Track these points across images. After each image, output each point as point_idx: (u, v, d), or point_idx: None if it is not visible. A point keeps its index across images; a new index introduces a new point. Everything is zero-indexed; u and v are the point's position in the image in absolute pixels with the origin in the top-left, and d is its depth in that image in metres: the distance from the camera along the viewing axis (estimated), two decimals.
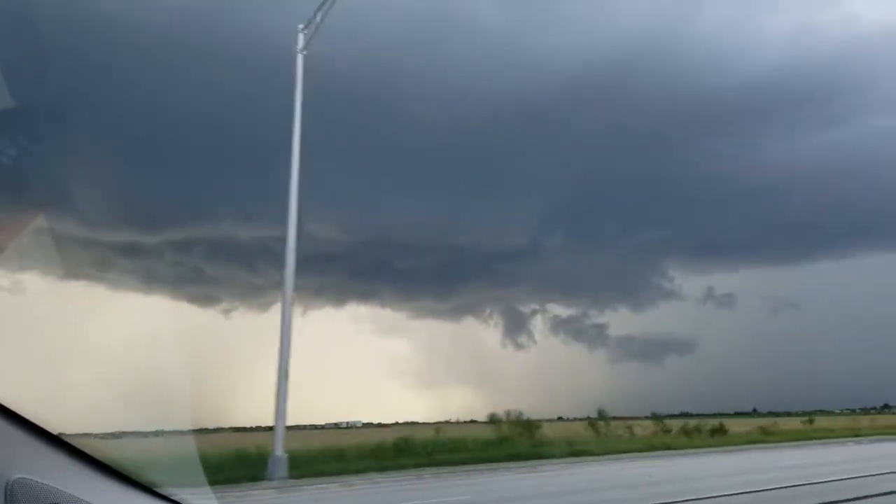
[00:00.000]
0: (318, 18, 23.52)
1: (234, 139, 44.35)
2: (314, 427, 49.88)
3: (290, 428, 21.47)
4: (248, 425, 36.15)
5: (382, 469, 21.59)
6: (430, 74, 64.15)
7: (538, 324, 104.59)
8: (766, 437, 36.78)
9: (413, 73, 62.15)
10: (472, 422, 43.59)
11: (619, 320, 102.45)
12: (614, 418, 37.23)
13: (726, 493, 12.19)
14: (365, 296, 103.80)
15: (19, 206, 3.48)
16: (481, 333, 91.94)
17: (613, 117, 76.53)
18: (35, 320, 3.48)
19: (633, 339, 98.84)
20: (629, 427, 36.86)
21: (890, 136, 77.30)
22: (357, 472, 21.06)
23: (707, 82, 71.93)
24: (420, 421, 51.38)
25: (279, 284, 22.94)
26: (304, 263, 25.25)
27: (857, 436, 38.01)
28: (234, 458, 20.45)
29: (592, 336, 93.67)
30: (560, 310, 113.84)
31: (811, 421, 50.17)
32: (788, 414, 63.55)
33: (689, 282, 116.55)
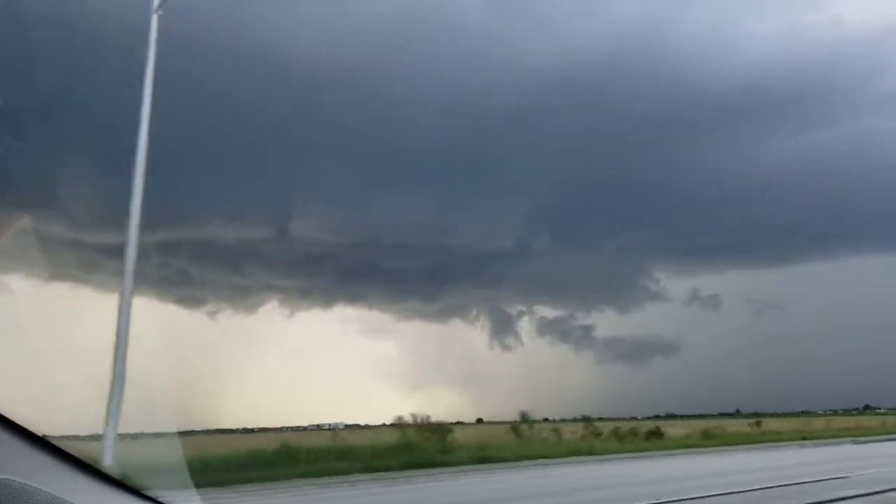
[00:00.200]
0: None
1: (222, 141, 44.15)
2: (297, 429, 49.10)
3: (228, 432, 19.17)
4: (235, 427, 35.45)
5: (244, 481, 17.17)
6: (419, 77, 64.29)
7: (525, 325, 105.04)
8: (704, 442, 35.08)
9: (402, 75, 62.28)
10: (383, 426, 40.17)
11: (606, 322, 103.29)
12: (600, 419, 36.70)
13: None
14: (352, 297, 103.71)
15: (4, 206, 3.45)
16: (468, 335, 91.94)
17: (600, 119, 77.14)
18: (20, 322, 3.46)
19: (620, 340, 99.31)
20: (556, 430, 35.77)
21: (876, 137, 78.25)
22: (208, 484, 15.61)
23: (693, 85, 72.56)
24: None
25: (267, 286, 22.76)
26: (292, 264, 25.05)
27: (804, 439, 36.78)
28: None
29: (579, 337, 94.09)
30: (547, 311, 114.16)
31: (758, 424, 48.33)
32: (773, 415, 63.92)
33: (675, 283, 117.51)
